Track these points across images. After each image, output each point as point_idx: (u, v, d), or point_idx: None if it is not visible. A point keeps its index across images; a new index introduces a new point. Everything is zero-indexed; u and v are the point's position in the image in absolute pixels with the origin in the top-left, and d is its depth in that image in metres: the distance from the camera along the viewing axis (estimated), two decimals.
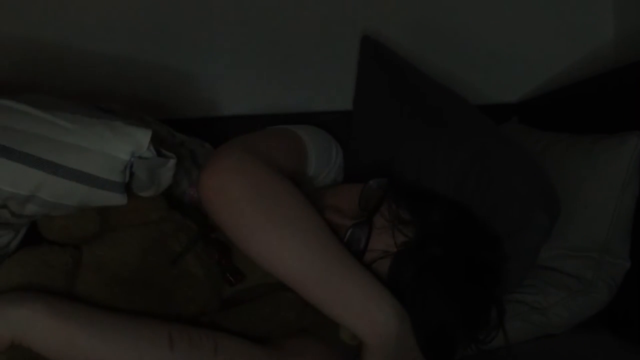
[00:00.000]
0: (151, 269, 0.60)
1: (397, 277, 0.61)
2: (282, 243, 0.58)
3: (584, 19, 1.13)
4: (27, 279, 0.54)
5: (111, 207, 0.59)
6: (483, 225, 0.69)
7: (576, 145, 0.86)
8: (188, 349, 0.54)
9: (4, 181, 0.51)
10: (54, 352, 0.51)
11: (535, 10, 1.12)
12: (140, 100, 1.01)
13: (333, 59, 1.08)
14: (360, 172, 0.88)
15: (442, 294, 0.60)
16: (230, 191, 0.58)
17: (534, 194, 0.73)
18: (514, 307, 0.77)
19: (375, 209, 0.65)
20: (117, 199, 0.55)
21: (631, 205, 0.79)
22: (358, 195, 0.68)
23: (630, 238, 0.80)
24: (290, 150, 0.73)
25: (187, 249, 0.62)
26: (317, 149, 0.78)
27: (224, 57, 1.06)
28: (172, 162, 0.58)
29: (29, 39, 0.97)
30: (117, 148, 0.53)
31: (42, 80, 0.98)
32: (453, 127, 0.80)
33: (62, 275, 0.56)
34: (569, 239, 0.81)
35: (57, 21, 0.98)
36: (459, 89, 0.91)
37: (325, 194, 0.70)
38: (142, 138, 0.54)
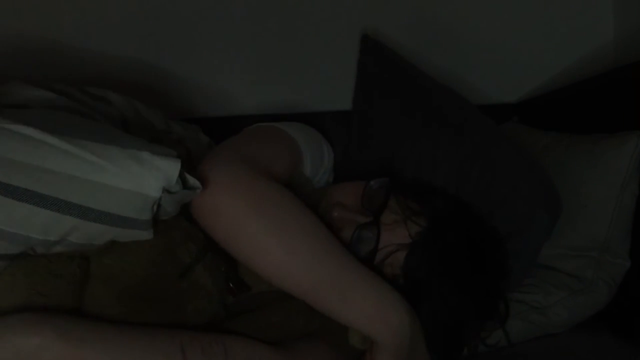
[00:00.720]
0: (161, 281, 0.58)
1: (415, 266, 0.61)
2: (287, 259, 0.56)
3: (584, 19, 1.13)
4: (34, 288, 0.52)
5: None
6: (482, 218, 0.70)
7: (576, 145, 0.86)
8: (201, 358, 0.54)
9: (35, 229, 0.48)
10: None
11: (535, 10, 1.12)
12: (146, 99, 1.01)
13: (333, 59, 1.08)
14: (361, 171, 0.88)
15: (458, 282, 0.61)
16: (226, 209, 0.56)
17: (536, 193, 0.73)
18: (514, 307, 0.76)
19: (380, 208, 0.64)
20: (145, 235, 0.53)
21: (631, 205, 0.79)
22: (360, 194, 0.67)
23: (630, 237, 0.80)
24: (285, 153, 0.71)
25: (197, 260, 0.60)
26: (310, 148, 0.76)
27: (225, 58, 1.06)
28: (198, 191, 0.55)
29: (31, 37, 0.97)
30: (148, 186, 0.50)
31: (43, 77, 0.98)
32: (453, 126, 0.80)
33: (70, 287, 0.54)
34: (569, 238, 0.81)
35: (58, 18, 0.98)
36: (459, 88, 0.92)
37: (331, 193, 0.70)
38: (171, 172, 0.51)
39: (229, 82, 1.07)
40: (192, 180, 0.54)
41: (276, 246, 0.56)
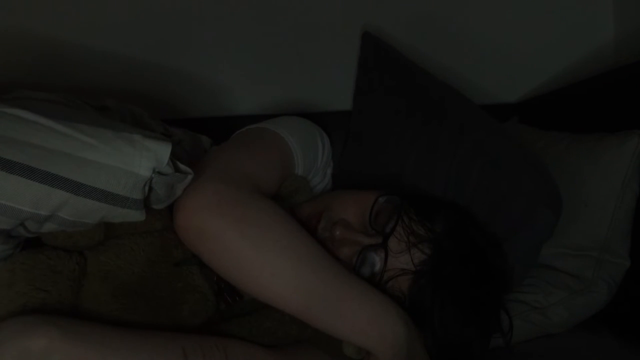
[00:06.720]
0: (158, 280, 0.58)
1: (418, 296, 0.60)
2: (273, 280, 0.56)
3: (584, 19, 1.13)
4: (33, 283, 0.52)
5: None
6: (487, 232, 0.69)
7: (577, 144, 0.86)
8: None
9: (25, 202, 0.47)
10: None
11: (535, 10, 1.12)
12: (146, 100, 1.01)
13: (334, 59, 1.08)
14: (359, 169, 0.88)
15: (462, 310, 0.60)
16: (210, 231, 0.55)
17: (539, 190, 0.73)
18: (514, 307, 0.77)
19: (390, 233, 0.63)
20: (137, 215, 0.53)
21: (632, 204, 0.79)
22: (367, 209, 0.66)
23: (630, 237, 0.80)
24: (274, 160, 0.70)
25: (193, 261, 0.61)
26: (302, 148, 0.74)
27: (225, 57, 1.06)
28: (189, 177, 0.56)
29: (29, 36, 0.98)
30: (138, 164, 0.50)
31: (42, 77, 0.99)
32: (454, 123, 0.80)
33: (69, 283, 0.54)
34: (569, 237, 0.80)
35: (58, 17, 0.98)
36: (459, 88, 0.91)
37: (332, 204, 0.68)
38: (162, 153, 0.51)
39: (229, 81, 1.07)
40: (183, 166, 0.54)
41: (261, 268, 0.55)
